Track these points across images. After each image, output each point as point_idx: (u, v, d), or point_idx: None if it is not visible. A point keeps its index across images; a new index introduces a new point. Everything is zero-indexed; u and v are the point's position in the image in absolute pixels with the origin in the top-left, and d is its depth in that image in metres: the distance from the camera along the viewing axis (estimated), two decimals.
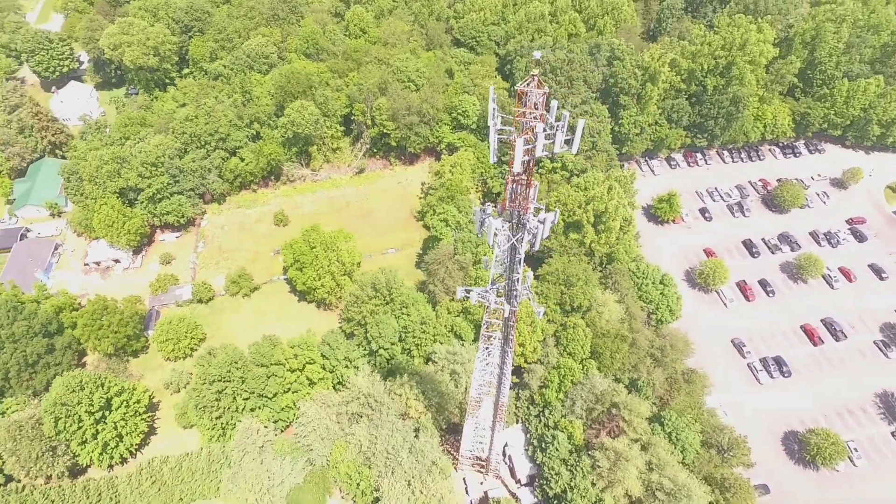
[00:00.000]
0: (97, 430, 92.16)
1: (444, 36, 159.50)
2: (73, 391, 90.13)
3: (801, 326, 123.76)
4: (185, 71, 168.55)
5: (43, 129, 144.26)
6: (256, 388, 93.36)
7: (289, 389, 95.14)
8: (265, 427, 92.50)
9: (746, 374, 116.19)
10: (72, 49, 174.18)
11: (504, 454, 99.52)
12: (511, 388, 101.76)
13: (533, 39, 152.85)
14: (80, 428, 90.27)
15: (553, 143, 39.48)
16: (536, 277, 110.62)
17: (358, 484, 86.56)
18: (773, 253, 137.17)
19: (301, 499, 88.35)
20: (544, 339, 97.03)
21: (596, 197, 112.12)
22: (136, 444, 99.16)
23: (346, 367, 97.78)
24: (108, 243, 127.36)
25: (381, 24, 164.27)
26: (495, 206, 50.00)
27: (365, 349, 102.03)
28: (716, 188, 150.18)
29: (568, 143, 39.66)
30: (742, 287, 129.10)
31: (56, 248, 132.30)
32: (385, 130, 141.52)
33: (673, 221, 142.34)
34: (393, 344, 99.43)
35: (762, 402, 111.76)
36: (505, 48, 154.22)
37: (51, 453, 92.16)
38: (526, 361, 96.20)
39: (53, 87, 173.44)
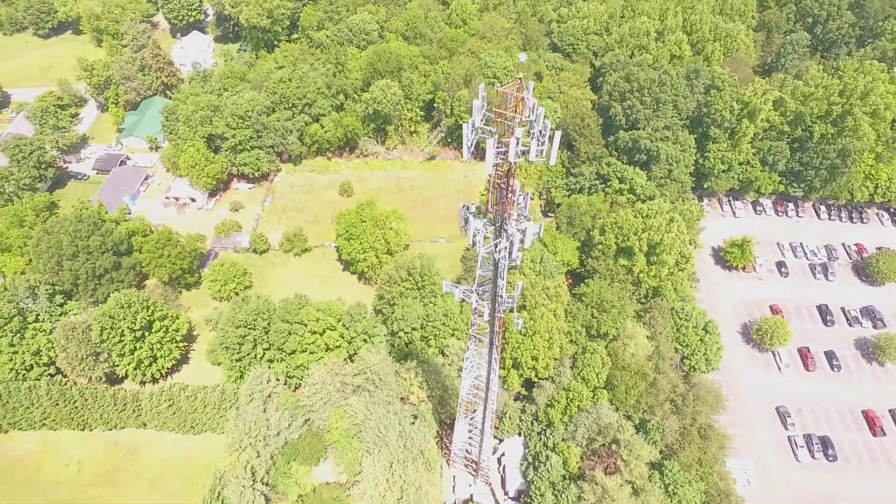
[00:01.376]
0: (135, 346, 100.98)
1: (543, 39, 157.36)
2: (122, 307, 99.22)
3: (863, 411, 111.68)
4: (294, 36, 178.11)
5: (159, 70, 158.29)
6: (276, 341, 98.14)
7: (306, 350, 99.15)
8: (277, 379, 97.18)
9: (784, 448, 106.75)
10: (200, 2, 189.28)
11: (499, 463, 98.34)
12: (518, 400, 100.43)
13: (632, 55, 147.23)
14: (120, 341, 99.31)
15: (529, 150, 38.32)
16: (573, 296, 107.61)
17: (347, 453, 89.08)
18: (850, 325, 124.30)
19: (294, 454, 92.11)
20: (561, 357, 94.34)
21: (654, 226, 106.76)
22: (168, 368, 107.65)
23: (364, 340, 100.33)
24: (188, 182, 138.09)
25: (482, 18, 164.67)
26: (479, 207, 49.29)
27: (388, 329, 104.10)
28: (801, 243, 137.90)
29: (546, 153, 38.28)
30: (803, 354, 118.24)
31: (146, 179, 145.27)
32: (462, 122, 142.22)
33: (743, 269, 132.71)
34: (414, 329, 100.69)
35: (796, 480, 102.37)
36: (601, 59, 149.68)
37: (94, 358, 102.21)
38: (537, 376, 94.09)
39: (178, 34, 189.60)
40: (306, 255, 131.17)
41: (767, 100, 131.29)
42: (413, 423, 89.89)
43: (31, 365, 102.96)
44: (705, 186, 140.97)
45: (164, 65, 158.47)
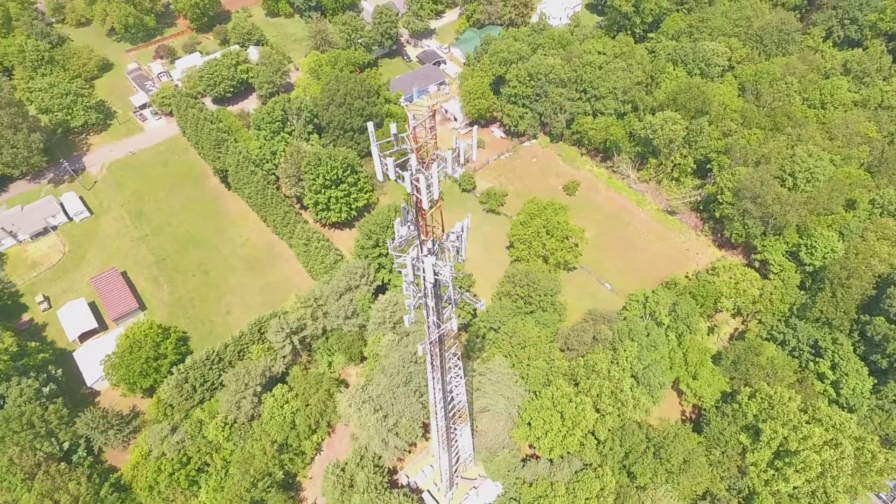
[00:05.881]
0: (319, 190, 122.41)
1: None
2: (329, 157, 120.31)
3: None
4: (650, 35, 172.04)
5: (513, 7, 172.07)
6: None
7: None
8: (371, 281, 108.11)
9: None
10: None
11: (469, 490, 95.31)
12: (525, 462, 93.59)
13: None
14: (313, 180, 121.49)
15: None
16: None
17: (367, 371, 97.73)
18: None
19: (340, 343, 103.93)
20: (575, 455, 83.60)
21: (805, 434, 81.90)
22: (332, 222, 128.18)
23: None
24: (460, 105, 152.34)
25: (847, 111, 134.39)
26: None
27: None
28: None
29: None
30: None
31: (441, 84, 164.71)
32: (720, 198, 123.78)
33: None
34: (492, 329, 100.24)
35: None
36: None
37: (296, 179, 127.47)
38: (539, 451, 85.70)
39: None
40: (491, 216, 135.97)
41: None
42: (417, 394, 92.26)
43: (267, 160, 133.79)
44: None
45: (519, 5, 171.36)
